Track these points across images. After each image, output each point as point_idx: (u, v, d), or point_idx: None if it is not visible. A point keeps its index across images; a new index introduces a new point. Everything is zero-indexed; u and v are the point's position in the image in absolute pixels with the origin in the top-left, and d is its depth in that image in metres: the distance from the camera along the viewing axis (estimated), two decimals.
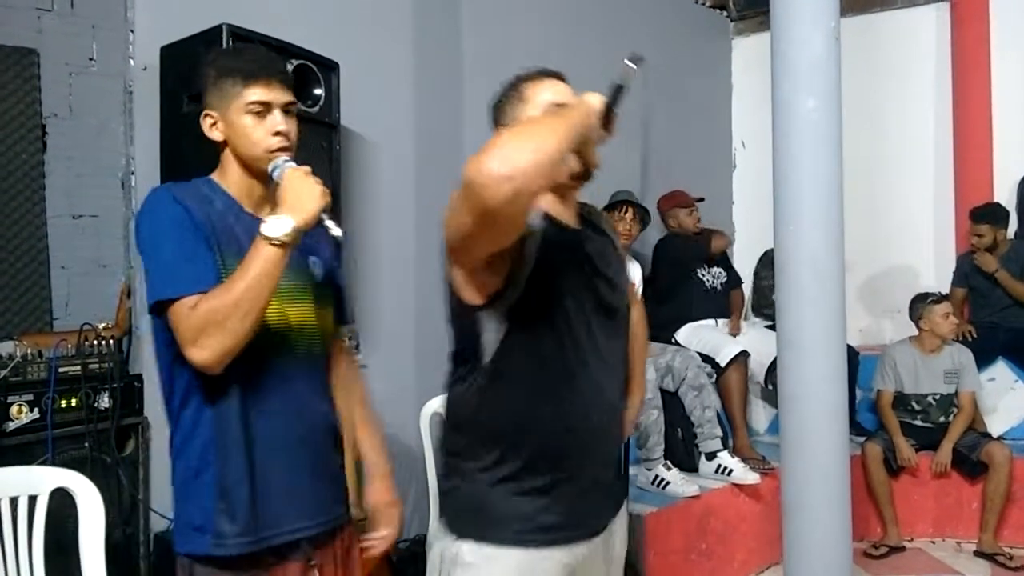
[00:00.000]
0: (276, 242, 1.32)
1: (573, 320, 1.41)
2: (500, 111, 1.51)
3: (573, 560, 1.42)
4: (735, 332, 4.13)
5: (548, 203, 1.43)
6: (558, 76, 1.50)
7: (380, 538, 1.64)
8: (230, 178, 1.49)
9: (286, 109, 1.46)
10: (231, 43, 2.27)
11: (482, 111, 4.24)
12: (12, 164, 2.58)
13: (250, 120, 1.43)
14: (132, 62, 2.65)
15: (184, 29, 2.39)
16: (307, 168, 1.42)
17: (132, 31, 2.64)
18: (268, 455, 1.43)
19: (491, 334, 1.38)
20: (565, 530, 1.41)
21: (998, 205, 4.44)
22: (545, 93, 1.45)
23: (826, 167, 2.46)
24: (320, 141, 2.62)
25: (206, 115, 1.47)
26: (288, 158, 1.45)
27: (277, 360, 1.45)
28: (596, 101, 1.32)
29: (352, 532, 1.61)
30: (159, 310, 1.35)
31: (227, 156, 1.48)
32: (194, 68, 2.27)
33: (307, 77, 2.55)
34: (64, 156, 2.67)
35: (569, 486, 1.42)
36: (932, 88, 4.89)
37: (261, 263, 1.31)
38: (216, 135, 1.47)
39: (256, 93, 1.42)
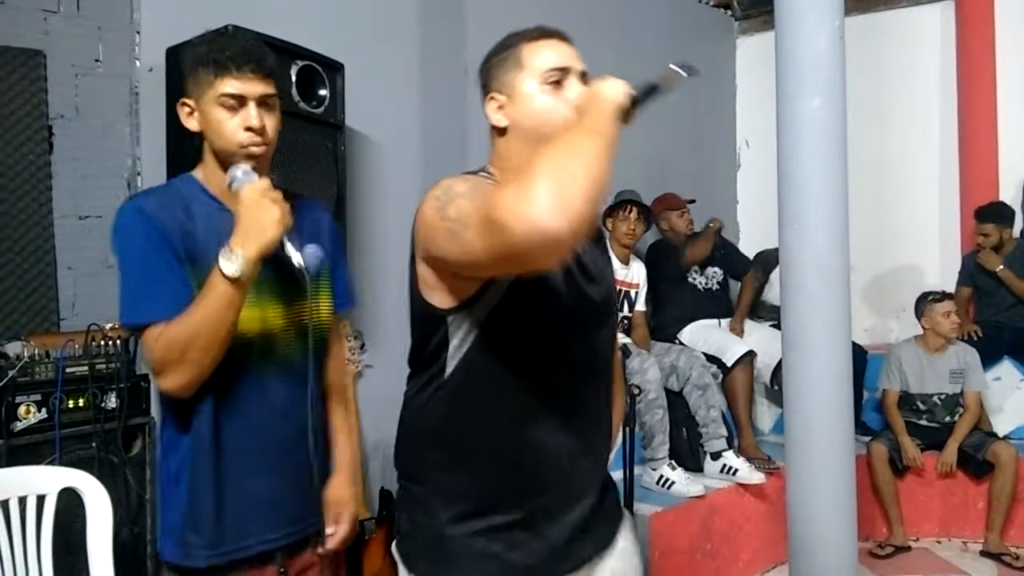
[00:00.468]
0: (228, 277, 1.25)
1: (553, 333, 1.24)
2: (490, 75, 1.30)
3: None
4: (739, 326, 4.11)
5: None
6: (560, 36, 1.29)
7: (329, 535, 1.54)
8: (210, 172, 1.41)
9: (263, 102, 1.37)
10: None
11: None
12: (19, 165, 2.59)
13: (223, 113, 1.35)
14: (138, 63, 2.66)
15: (190, 31, 2.37)
16: (265, 183, 1.32)
17: (138, 32, 2.65)
18: (239, 466, 1.39)
19: (456, 342, 1.22)
20: (537, 571, 1.25)
21: (1003, 204, 4.43)
22: (546, 56, 1.25)
23: (831, 166, 2.46)
24: (325, 142, 2.63)
25: (183, 103, 1.40)
26: (248, 169, 1.34)
27: (258, 367, 1.40)
28: (619, 93, 1.12)
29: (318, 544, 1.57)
30: (135, 332, 1.34)
31: (206, 148, 1.41)
32: None
33: (312, 78, 2.56)
34: (70, 157, 2.68)
35: (542, 522, 1.25)
36: (937, 87, 4.88)
37: (216, 299, 1.26)
38: (192, 125, 1.41)
39: (229, 85, 1.33)
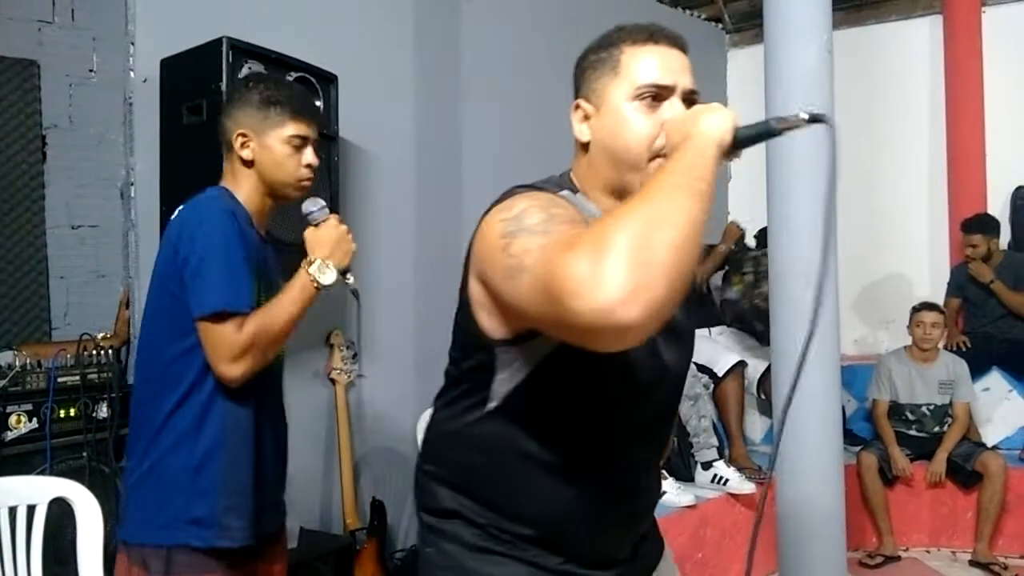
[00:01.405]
0: (320, 286, 1.48)
1: (616, 393, 1.07)
2: (584, 76, 1.13)
3: None
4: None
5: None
6: (671, 41, 1.08)
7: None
8: (245, 193, 1.58)
9: (316, 144, 1.61)
10: (230, 56, 2.29)
11: (481, 123, 4.26)
12: (12, 174, 2.60)
13: (288, 150, 1.56)
14: (132, 74, 2.66)
15: (184, 42, 2.41)
16: (340, 218, 1.60)
17: (132, 43, 2.65)
18: (265, 458, 1.55)
19: (504, 376, 1.07)
20: None
21: (988, 215, 4.47)
22: (647, 67, 1.05)
23: (820, 176, 2.48)
24: (318, 153, 2.63)
25: (240, 134, 1.56)
26: (323, 204, 1.61)
27: (272, 370, 1.58)
28: (725, 131, 0.93)
29: (284, 531, 1.74)
30: (215, 319, 1.40)
31: (247, 174, 1.58)
32: (194, 80, 2.31)
33: (306, 89, 2.57)
34: (64, 167, 2.69)
35: (584, 563, 1.14)
36: (925, 100, 4.93)
37: (304, 301, 1.47)
38: (246, 154, 1.57)
39: (300, 128, 1.56)
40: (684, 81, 1.05)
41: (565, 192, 1.10)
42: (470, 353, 1.11)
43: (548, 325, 0.87)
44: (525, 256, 0.88)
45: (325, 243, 1.54)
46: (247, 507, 1.49)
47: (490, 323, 1.04)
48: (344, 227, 1.59)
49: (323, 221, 1.60)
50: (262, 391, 1.53)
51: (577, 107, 1.12)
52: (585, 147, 1.12)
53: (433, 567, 1.15)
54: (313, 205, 1.62)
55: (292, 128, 1.55)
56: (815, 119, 0.95)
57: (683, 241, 0.78)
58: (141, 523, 1.48)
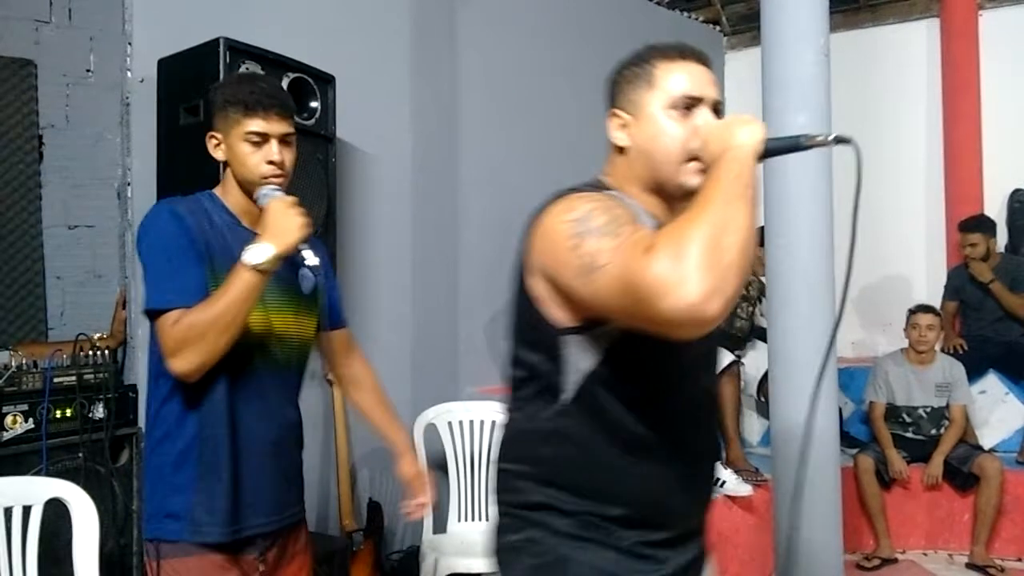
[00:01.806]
0: (255, 268, 1.42)
1: (678, 365, 1.18)
2: (618, 89, 1.24)
3: None
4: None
5: (661, 214, 1.22)
6: (698, 58, 1.21)
7: (419, 504, 1.82)
8: (230, 195, 1.60)
9: (283, 140, 1.57)
10: (228, 57, 2.29)
11: (478, 124, 4.26)
12: (9, 174, 2.60)
13: (248, 148, 1.54)
14: (129, 74, 2.66)
15: (181, 42, 2.41)
16: (292, 199, 1.52)
17: (130, 43, 2.65)
18: (245, 454, 1.54)
19: (576, 363, 1.15)
20: None
21: (985, 216, 4.48)
22: (679, 81, 1.18)
23: (817, 182, 2.49)
24: (316, 154, 2.63)
25: (211, 136, 1.59)
26: (276, 187, 1.55)
27: (258, 366, 1.56)
28: (757, 141, 1.05)
29: (306, 531, 1.74)
30: (154, 317, 1.46)
31: (228, 175, 1.60)
32: (191, 81, 2.31)
33: (303, 90, 2.57)
34: (60, 167, 2.69)
35: (669, 548, 1.22)
36: (922, 103, 4.94)
37: (240, 286, 1.42)
38: (219, 155, 1.59)
39: (255, 124, 1.53)
40: (712, 93, 1.19)
41: (614, 192, 1.20)
42: (541, 348, 1.18)
43: (627, 318, 0.99)
44: (598, 256, 1.00)
45: (265, 224, 1.49)
46: (221, 505, 1.50)
47: (559, 314, 1.13)
48: (285, 204, 1.50)
49: (267, 204, 1.53)
50: (248, 389, 1.54)
51: (614, 115, 1.24)
52: (621, 151, 1.25)
53: (522, 554, 1.21)
54: (259, 191, 1.55)
55: (248, 124, 1.54)
56: (840, 140, 1.07)
57: (745, 243, 0.93)
58: (144, 516, 1.57)
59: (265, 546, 1.59)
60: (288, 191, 1.59)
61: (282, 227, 1.47)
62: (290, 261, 1.54)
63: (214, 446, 1.50)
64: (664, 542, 1.21)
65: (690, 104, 1.17)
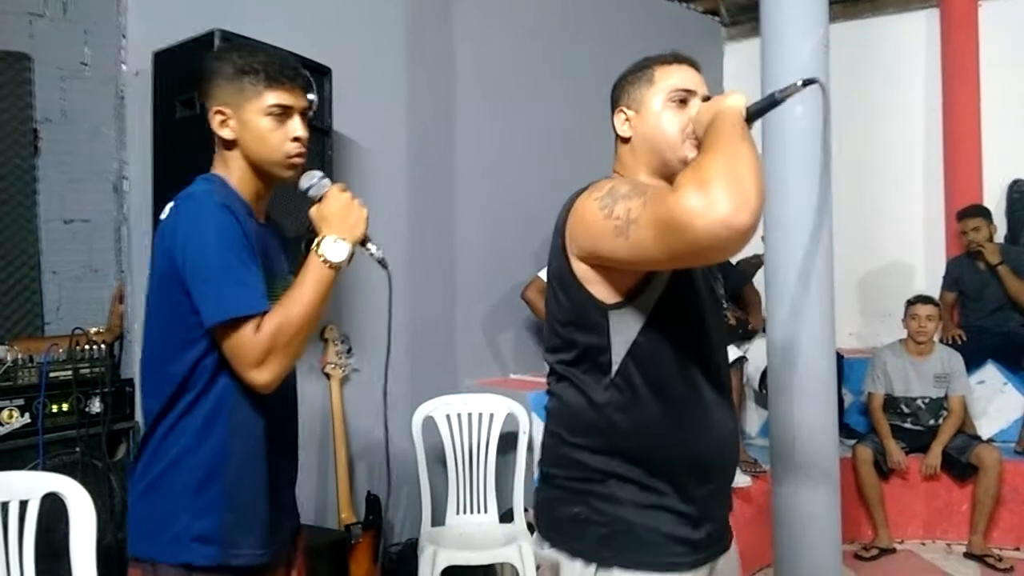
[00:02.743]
0: (334, 265, 1.34)
1: (708, 322, 1.35)
2: (624, 91, 1.42)
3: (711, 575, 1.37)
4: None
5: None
6: (690, 62, 1.40)
7: None
8: (236, 178, 1.43)
9: (304, 114, 1.43)
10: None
11: (474, 116, 4.24)
12: (4, 168, 2.59)
13: (269, 123, 1.39)
14: (124, 67, 2.65)
15: (176, 34, 2.40)
16: (344, 185, 1.42)
17: (124, 36, 2.64)
18: (277, 467, 1.44)
19: (622, 335, 1.28)
20: (713, 547, 1.35)
21: (980, 204, 4.48)
22: (673, 77, 1.37)
23: (815, 173, 2.48)
24: (312, 146, 2.62)
25: (217, 111, 1.40)
26: (322, 174, 1.44)
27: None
28: (740, 103, 1.22)
29: (304, 532, 1.65)
30: (230, 325, 1.29)
31: (232, 156, 1.42)
32: (187, 73, 2.30)
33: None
34: (56, 160, 2.67)
35: (713, 501, 1.36)
36: (921, 93, 4.93)
37: (321, 286, 1.33)
38: (226, 133, 1.41)
39: (279, 96, 1.38)
40: (702, 89, 1.38)
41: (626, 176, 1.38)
42: (589, 327, 1.30)
43: (670, 255, 1.10)
44: (630, 213, 1.14)
45: (330, 217, 1.38)
46: (259, 521, 1.39)
47: (602, 292, 1.27)
48: (348, 194, 1.41)
49: (324, 194, 1.43)
50: (277, 392, 1.38)
51: (620, 111, 1.42)
52: (626, 141, 1.42)
53: (588, 525, 1.30)
54: (309, 180, 1.44)
55: (271, 97, 1.37)
56: (808, 82, 1.23)
57: (756, 170, 1.05)
58: (147, 537, 1.38)
59: (287, 554, 1.50)
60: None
61: (351, 219, 1.38)
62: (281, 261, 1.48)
63: (249, 459, 1.38)
64: (709, 495, 1.33)
65: (684, 97, 1.35)
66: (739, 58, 5.46)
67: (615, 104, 1.43)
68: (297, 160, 1.42)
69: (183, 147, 2.21)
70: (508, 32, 3.94)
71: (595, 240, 1.22)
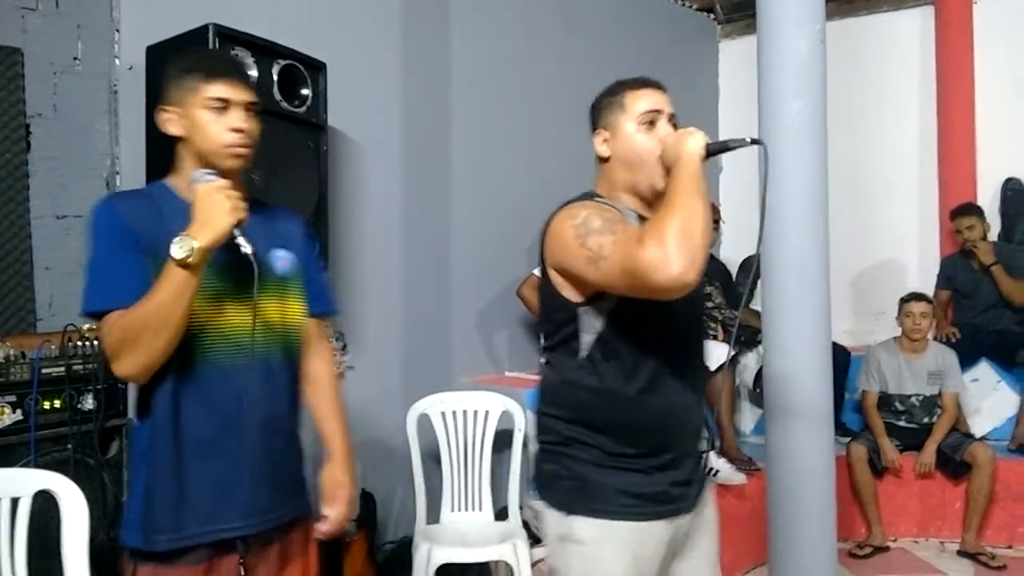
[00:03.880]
0: (179, 262, 1.32)
1: (667, 313, 1.47)
2: (598, 114, 1.60)
3: (675, 531, 1.57)
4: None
5: (643, 210, 1.56)
6: (658, 86, 1.58)
7: (325, 518, 1.66)
8: (185, 178, 1.47)
9: (247, 108, 1.48)
10: (217, 43, 2.26)
11: (469, 112, 4.22)
12: None
13: (209, 115, 1.45)
14: (117, 62, 2.63)
15: (170, 29, 2.38)
16: (223, 182, 1.41)
17: (117, 31, 2.62)
18: (200, 457, 1.45)
19: (588, 328, 1.51)
20: (671, 504, 1.54)
21: (974, 202, 4.49)
22: (643, 102, 1.55)
23: (811, 170, 2.48)
24: (307, 141, 2.61)
25: (162, 110, 1.48)
26: (206, 172, 1.43)
27: (218, 361, 1.45)
28: (700, 147, 1.40)
29: (310, 532, 1.66)
30: (94, 320, 1.39)
31: (184, 153, 1.49)
32: None
33: (294, 77, 2.54)
34: (48, 156, 2.65)
35: (672, 467, 1.54)
36: (916, 91, 4.94)
37: (169, 283, 1.33)
38: (174, 129, 1.48)
39: (217, 89, 1.44)
40: (668, 108, 1.57)
41: (604, 200, 1.57)
42: (562, 321, 1.54)
43: (629, 291, 1.36)
44: (601, 249, 1.37)
45: (194, 213, 1.36)
46: (166, 510, 1.43)
47: (570, 293, 1.51)
48: (212, 188, 1.38)
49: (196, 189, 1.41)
50: (199, 385, 1.43)
51: (598, 134, 1.60)
52: (605, 160, 1.61)
53: (556, 478, 1.55)
54: (198, 172, 1.44)
55: (209, 90, 1.43)
56: (755, 141, 1.46)
57: (705, 227, 1.30)
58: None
59: (245, 549, 1.49)
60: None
61: (208, 214, 1.35)
62: (269, 240, 1.50)
63: (160, 451, 1.43)
64: (667, 463, 1.53)
65: (653, 118, 1.54)
66: (734, 55, 5.47)
67: (594, 125, 1.61)
68: (239, 151, 1.47)
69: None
70: (503, 28, 3.94)
71: (568, 260, 1.46)
